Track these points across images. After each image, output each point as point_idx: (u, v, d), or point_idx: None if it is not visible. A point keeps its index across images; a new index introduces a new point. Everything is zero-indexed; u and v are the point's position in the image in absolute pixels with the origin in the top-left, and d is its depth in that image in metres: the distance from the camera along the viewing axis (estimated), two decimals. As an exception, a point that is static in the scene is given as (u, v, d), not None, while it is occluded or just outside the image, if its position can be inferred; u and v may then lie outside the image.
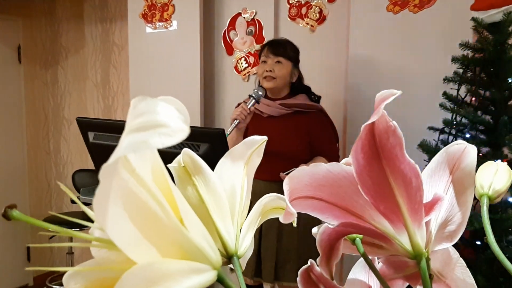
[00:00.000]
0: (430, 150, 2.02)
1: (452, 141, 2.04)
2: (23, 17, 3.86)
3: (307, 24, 2.77)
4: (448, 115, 2.06)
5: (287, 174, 1.98)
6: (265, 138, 0.41)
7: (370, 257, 0.41)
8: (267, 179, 1.92)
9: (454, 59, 1.97)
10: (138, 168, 0.26)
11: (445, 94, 2.04)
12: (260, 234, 2.15)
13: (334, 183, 0.34)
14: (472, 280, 0.40)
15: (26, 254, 3.95)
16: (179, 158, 0.38)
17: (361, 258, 0.42)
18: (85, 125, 1.68)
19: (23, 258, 3.92)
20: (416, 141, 2.17)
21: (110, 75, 3.64)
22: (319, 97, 2.30)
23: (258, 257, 2.15)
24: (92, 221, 0.28)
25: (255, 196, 0.40)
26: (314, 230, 0.41)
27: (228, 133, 2.03)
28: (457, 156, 0.38)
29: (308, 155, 2.17)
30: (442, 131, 2.06)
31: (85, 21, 3.69)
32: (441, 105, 1.99)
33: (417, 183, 0.33)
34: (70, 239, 3.29)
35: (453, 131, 2.06)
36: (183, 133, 0.24)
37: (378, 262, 0.43)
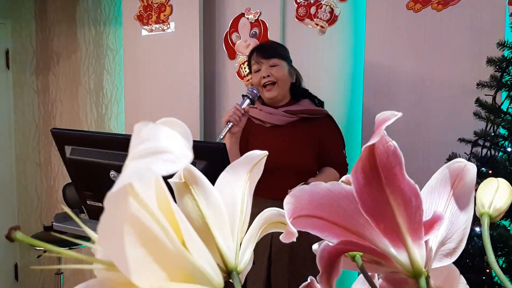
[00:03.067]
0: (461, 165, 1.77)
1: (486, 155, 1.79)
2: (12, 19, 3.70)
3: (317, 25, 2.55)
4: (479, 125, 1.81)
5: None
6: (266, 152, 0.41)
7: (369, 273, 0.41)
8: (278, 197, 1.66)
9: (490, 61, 1.72)
10: (142, 192, 0.26)
11: (478, 101, 1.78)
12: (269, 259, 1.90)
13: (334, 202, 0.35)
14: None
15: (14, 272, 3.74)
16: (179, 173, 0.38)
17: (361, 275, 0.42)
18: (61, 138, 1.44)
19: (10, 277, 3.72)
20: (444, 154, 1.92)
21: (104, 81, 3.46)
22: (323, 102, 2.10)
23: (268, 286, 1.91)
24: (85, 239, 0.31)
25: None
26: (315, 246, 0.42)
27: (221, 137, 1.80)
28: (456, 173, 0.39)
29: (317, 166, 1.97)
30: (475, 143, 1.80)
31: (77, 25, 3.53)
32: (475, 114, 1.74)
33: (417, 202, 0.34)
34: (59, 259, 3.07)
35: (487, 143, 1.81)
36: (186, 159, 0.24)
37: (378, 279, 0.43)
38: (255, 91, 1.90)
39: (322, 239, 0.38)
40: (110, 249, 0.25)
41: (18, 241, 0.26)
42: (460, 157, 1.86)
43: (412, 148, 2.19)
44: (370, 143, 0.33)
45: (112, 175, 1.34)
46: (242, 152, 1.53)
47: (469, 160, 1.85)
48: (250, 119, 1.99)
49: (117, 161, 1.33)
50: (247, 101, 1.88)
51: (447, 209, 0.39)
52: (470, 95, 1.95)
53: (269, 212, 0.42)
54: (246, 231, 0.41)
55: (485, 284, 1.78)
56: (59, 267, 0.29)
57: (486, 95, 1.78)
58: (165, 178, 0.29)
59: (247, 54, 2.72)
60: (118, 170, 1.32)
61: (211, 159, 1.13)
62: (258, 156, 0.41)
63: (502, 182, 0.42)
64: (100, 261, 0.27)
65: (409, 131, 2.18)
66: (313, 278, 0.45)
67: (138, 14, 2.94)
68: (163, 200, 0.29)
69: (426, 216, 0.36)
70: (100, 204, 1.43)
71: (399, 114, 0.33)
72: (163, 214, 0.27)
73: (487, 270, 1.78)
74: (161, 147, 0.24)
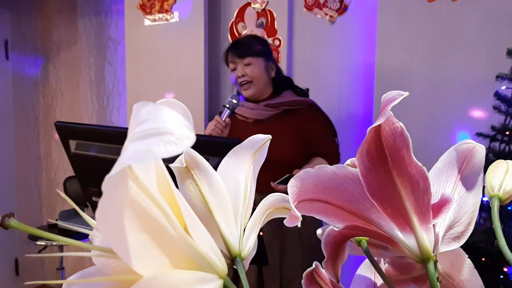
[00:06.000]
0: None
1: (504, 150, 1.73)
2: (10, 9, 3.61)
3: (326, 14, 2.48)
4: (496, 119, 1.75)
5: (279, 183, 1.73)
6: (269, 136, 0.41)
7: (375, 258, 0.41)
8: (260, 190, 1.62)
9: (511, 52, 1.65)
10: (141, 176, 0.25)
11: (497, 94, 1.72)
12: (281, 247, 1.91)
13: (339, 186, 0.34)
14: (480, 281, 0.40)
15: (14, 267, 3.69)
16: (181, 157, 0.37)
17: (367, 259, 0.41)
18: (66, 131, 1.37)
19: (10, 271, 3.66)
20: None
21: (106, 72, 3.40)
22: (307, 90, 2.05)
23: (260, 278, 1.91)
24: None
25: None
26: (319, 231, 0.41)
27: None
28: (465, 155, 0.38)
29: (304, 159, 1.93)
30: (493, 138, 1.74)
31: (78, 14, 3.46)
32: (495, 108, 1.67)
33: (425, 185, 0.33)
34: (61, 251, 3.03)
35: (506, 138, 1.75)
36: (189, 140, 0.23)
37: (384, 263, 0.43)
38: (234, 101, 1.89)
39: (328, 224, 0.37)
40: (109, 235, 0.24)
41: (11, 228, 0.25)
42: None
43: (426, 144, 2.12)
44: (376, 124, 0.32)
45: (119, 171, 1.27)
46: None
47: (487, 155, 1.79)
48: (233, 115, 1.99)
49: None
50: (227, 112, 1.88)
51: (455, 191, 0.38)
52: (488, 88, 1.89)
53: (273, 197, 0.41)
54: (250, 217, 0.40)
55: (501, 284, 1.73)
56: (59, 255, 0.37)
57: (506, 88, 1.72)
58: (166, 163, 0.29)
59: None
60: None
61: (225, 156, 1.06)
62: (262, 140, 0.40)
63: (511, 164, 0.41)
64: (98, 248, 0.27)
65: (424, 126, 2.11)
66: (318, 263, 0.43)
67: (141, 3, 2.87)
68: (163, 184, 0.28)
69: (434, 199, 0.35)
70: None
71: (406, 94, 0.32)
72: (164, 199, 0.26)
73: (504, 269, 1.73)
74: (162, 128, 0.23)
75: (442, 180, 0.39)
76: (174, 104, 0.28)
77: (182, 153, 0.23)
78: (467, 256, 0.41)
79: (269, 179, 1.75)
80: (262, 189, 1.66)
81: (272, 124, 1.92)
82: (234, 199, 0.38)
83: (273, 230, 1.84)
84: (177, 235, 0.26)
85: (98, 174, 1.34)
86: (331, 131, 2.00)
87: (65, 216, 1.36)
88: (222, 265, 0.29)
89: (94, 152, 1.31)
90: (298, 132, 1.91)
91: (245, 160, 0.40)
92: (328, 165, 0.35)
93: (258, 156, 0.41)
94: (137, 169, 0.25)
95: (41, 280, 3.75)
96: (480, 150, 0.38)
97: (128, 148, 0.23)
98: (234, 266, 0.36)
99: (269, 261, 1.84)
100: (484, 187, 0.40)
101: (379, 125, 0.32)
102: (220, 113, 1.93)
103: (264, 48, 1.98)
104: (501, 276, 1.69)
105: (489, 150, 1.75)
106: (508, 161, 0.42)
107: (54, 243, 3.13)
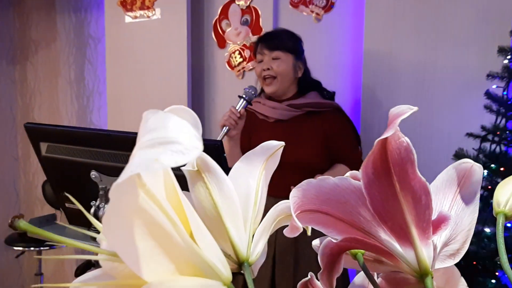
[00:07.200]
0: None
1: (495, 151, 1.68)
2: (-14, 5, 3.51)
3: (312, 12, 2.42)
4: (486, 119, 1.70)
5: None
6: (282, 143, 0.41)
7: (370, 271, 0.41)
8: (279, 195, 1.56)
9: (502, 50, 1.60)
10: (149, 183, 0.25)
11: (488, 93, 1.67)
12: (274, 260, 1.84)
13: (341, 198, 0.35)
14: None
15: (-9, 273, 3.56)
16: (192, 160, 0.37)
17: (361, 272, 0.41)
18: (36, 133, 1.29)
19: (-13, 278, 3.53)
20: (448, 150, 1.81)
21: (85, 71, 3.30)
22: (333, 93, 1.97)
23: (272, 286, 1.85)
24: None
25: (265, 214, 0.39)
26: (315, 242, 0.42)
27: None
28: (462, 174, 0.38)
29: (326, 164, 1.85)
30: (484, 139, 1.69)
31: (57, 11, 3.36)
32: (486, 107, 1.63)
33: (427, 200, 0.34)
34: (39, 259, 2.94)
35: (497, 138, 1.70)
36: (196, 150, 0.24)
37: (378, 277, 0.43)
38: (251, 91, 1.78)
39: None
40: (115, 241, 0.24)
41: (21, 229, 0.26)
42: (467, 153, 1.75)
43: (414, 143, 2.07)
44: (383, 137, 0.32)
45: (93, 175, 1.20)
46: (244, 150, 1.44)
47: (477, 156, 1.74)
48: (254, 113, 1.91)
49: (98, 160, 1.18)
50: (243, 102, 1.76)
51: (452, 209, 0.39)
52: (477, 86, 1.85)
53: (284, 204, 0.41)
54: (260, 223, 0.40)
55: None
56: (69, 257, 0.29)
57: (497, 87, 1.68)
58: (177, 167, 0.28)
59: (238, 42, 2.60)
60: (100, 169, 1.19)
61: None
62: (275, 147, 0.41)
63: None
64: (105, 252, 0.27)
65: (411, 125, 2.06)
66: (313, 274, 0.44)
67: None
68: (171, 191, 0.28)
69: (432, 216, 0.36)
70: (80, 207, 1.28)
71: (415, 109, 0.32)
72: (171, 205, 0.27)
73: (496, 273, 1.69)
74: (170, 137, 0.24)
75: (439, 198, 0.39)
76: (183, 112, 0.28)
77: (189, 161, 0.24)
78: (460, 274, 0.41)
79: (286, 183, 1.62)
80: (283, 193, 1.57)
81: (295, 126, 1.84)
82: (244, 204, 0.38)
83: (286, 238, 1.78)
84: (183, 242, 0.27)
85: (70, 179, 1.25)
86: (355, 138, 1.93)
87: (36, 224, 1.28)
88: (226, 273, 0.29)
89: (66, 155, 1.23)
90: (321, 136, 1.82)
91: (257, 166, 0.40)
92: (331, 177, 0.34)
93: (271, 163, 0.41)
94: (144, 176, 0.25)
95: (20, 286, 3.64)
96: (477, 170, 0.38)
97: (137, 155, 0.23)
98: (242, 271, 0.36)
99: (282, 250, 1.82)
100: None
101: (385, 139, 0.32)
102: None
103: (297, 45, 1.90)
104: (493, 281, 1.65)
105: (479, 151, 1.71)
106: None
107: (32, 248, 3.03)
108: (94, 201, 1.21)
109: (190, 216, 0.28)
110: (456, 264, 0.39)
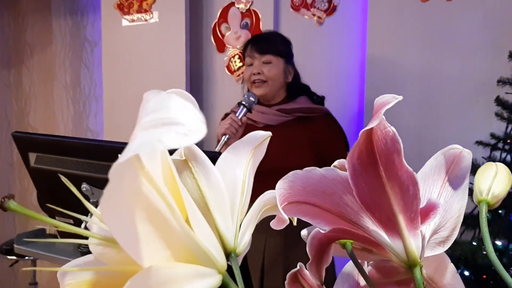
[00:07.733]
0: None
1: (506, 159, 1.61)
2: (-20, 8, 3.51)
3: (314, 15, 2.38)
4: (494, 127, 1.64)
5: None
6: (269, 133, 0.41)
7: (359, 260, 0.41)
8: None
9: (514, 55, 1.54)
10: (148, 165, 0.25)
11: (498, 100, 1.61)
12: (262, 271, 1.80)
13: (328, 189, 0.35)
14: (462, 286, 0.41)
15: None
16: (180, 150, 0.37)
17: (350, 261, 0.42)
18: (24, 143, 1.22)
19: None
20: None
21: (82, 75, 3.28)
22: (323, 98, 1.93)
23: (262, 275, 1.81)
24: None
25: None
26: (304, 232, 0.42)
27: (218, 151, 1.65)
28: (451, 160, 0.38)
29: None
30: (494, 147, 1.63)
31: (52, 14, 3.34)
32: (497, 114, 1.57)
33: (414, 191, 0.34)
34: (34, 265, 2.87)
35: (507, 147, 1.64)
36: (200, 133, 0.23)
37: (367, 266, 0.43)
38: (252, 99, 1.73)
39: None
40: (113, 224, 0.24)
41: (11, 210, 0.26)
42: (476, 161, 1.69)
43: (419, 152, 2.01)
44: (368, 127, 0.32)
45: (84, 188, 1.13)
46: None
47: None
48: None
49: (90, 172, 1.12)
50: (244, 110, 1.71)
51: (441, 196, 0.39)
52: (485, 93, 1.79)
53: (269, 194, 0.41)
54: (247, 213, 0.40)
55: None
56: (63, 269, 0.28)
57: (507, 93, 1.61)
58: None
59: (238, 46, 2.55)
60: (91, 182, 1.12)
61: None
62: (262, 137, 0.41)
63: (500, 166, 0.41)
64: (97, 236, 0.27)
65: (415, 133, 2.00)
66: (302, 264, 0.44)
67: (119, 2, 2.77)
68: (168, 176, 0.28)
69: (421, 204, 0.36)
70: (71, 221, 1.22)
71: (400, 98, 0.32)
72: (168, 190, 0.26)
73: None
74: (173, 118, 0.23)
75: (428, 185, 0.39)
76: (183, 95, 0.27)
77: (193, 143, 0.22)
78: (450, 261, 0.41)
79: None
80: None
81: (283, 131, 1.79)
82: (231, 194, 0.38)
83: (276, 248, 1.75)
84: (180, 228, 0.27)
85: (61, 192, 1.18)
86: (345, 144, 1.89)
87: (21, 240, 1.21)
88: (221, 261, 0.30)
89: (56, 167, 1.17)
90: (311, 141, 1.80)
91: (244, 156, 0.40)
92: (318, 168, 0.34)
93: (258, 153, 0.41)
94: (143, 159, 0.25)
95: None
96: (467, 155, 0.38)
97: (138, 136, 0.23)
98: (229, 262, 0.35)
99: (272, 260, 1.80)
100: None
101: (371, 129, 0.32)
102: (235, 112, 1.78)
103: (287, 49, 1.87)
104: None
105: (489, 159, 1.64)
106: (497, 163, 0.41)
107: (26, 258, 2.96)
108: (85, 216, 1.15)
109: (187, 202, 0.27)
110: (466, 277, 0.38)
